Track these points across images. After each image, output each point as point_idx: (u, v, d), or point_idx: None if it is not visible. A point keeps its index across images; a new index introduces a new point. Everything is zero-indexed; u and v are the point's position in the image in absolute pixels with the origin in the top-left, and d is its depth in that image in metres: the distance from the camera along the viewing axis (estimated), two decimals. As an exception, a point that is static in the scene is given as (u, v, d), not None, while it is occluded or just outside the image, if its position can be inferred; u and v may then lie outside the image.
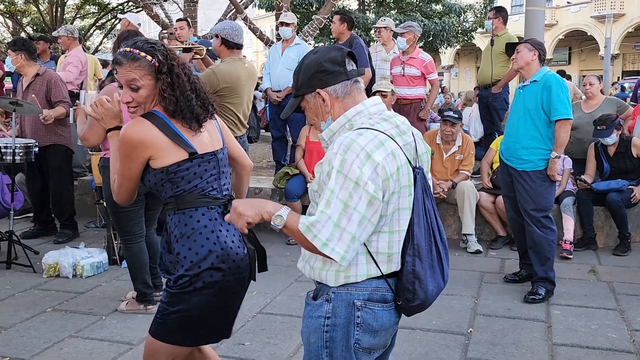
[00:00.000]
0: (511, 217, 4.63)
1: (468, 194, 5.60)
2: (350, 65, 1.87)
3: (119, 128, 2.34)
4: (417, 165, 1.84)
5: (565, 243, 5.36)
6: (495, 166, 5.77)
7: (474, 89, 8.59)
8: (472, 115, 8.22)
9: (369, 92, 6.37)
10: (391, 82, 6.46)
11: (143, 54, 2.14)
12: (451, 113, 5.80)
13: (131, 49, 2.15)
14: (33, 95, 5.44)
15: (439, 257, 1.82)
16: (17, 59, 5.55)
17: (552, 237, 4.31)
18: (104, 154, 3.94)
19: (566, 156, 5.66)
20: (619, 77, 31.72)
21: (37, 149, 5.37)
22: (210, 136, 2.27)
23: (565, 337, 3.64)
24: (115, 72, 2.18)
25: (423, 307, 1.83)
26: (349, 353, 1.79)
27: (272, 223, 1.74)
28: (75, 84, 6.63)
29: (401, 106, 6.46)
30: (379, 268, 1.78)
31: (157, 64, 2.15)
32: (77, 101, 4.13)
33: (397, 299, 1.80)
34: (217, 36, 4.69)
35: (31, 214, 6.30)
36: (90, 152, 5.59)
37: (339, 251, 1.66)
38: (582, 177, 5.66)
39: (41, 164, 5.66)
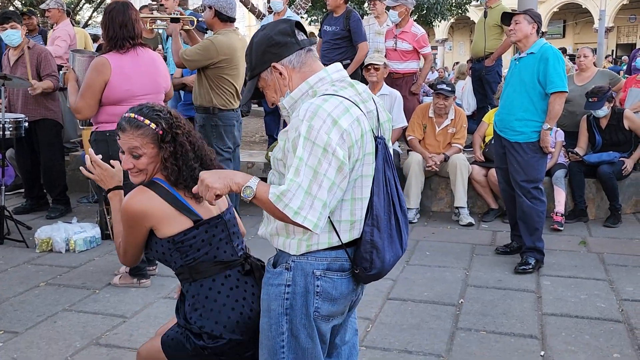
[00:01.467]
0: (503, 189, 4.65)
1: (460, 167, 5.61)
2: (301, 35, 1.86)
3: (119, 188, 2.28)
4: (379, 135, 1.83)
5: (556, 215, 5.40)
6: (487, 139, 5.77)
7: (467, 61, 8.55)
8: (465, 89, 8.20)
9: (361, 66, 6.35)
10: (385, 55, 6.42)
11: (147, 121, 2.09)
12: (444, 86, 5.77)
13: (135, 116, 2.10)
14: (28, 66, 5.38)
15: (397, 226, 1.83)
16: (23, 32, 5.52)
17: (542, 208, 4.34)
18: (96, 128, 3.91)
19: (558, 129, 5.66)
20: (613, 50, 31.60)
21: (26, 124, 5.33)
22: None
23: (554, 307, 3.68)
24: (118, 137, 2.13)
25: (379, 276, 1.85)
26: (308, 320, 1.81)
27: (241, 195, 1.72)
28: (65, 58, 6.55)
29: (393, 80, 6.42)
30: (340, 237, 1.78)
31: (160, 132, 2.10)
32: (66, 64, 4.08)
33: (355, 267, 1.81)
34: (210, 8, 4.63)
35: (23, 190, 6.28)
36: (81, 127, 5.55)
37: (311, 219, 1.65)
38: (574, 149, 5.67)
39: (31, 138, 5.62)
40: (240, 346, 2.05)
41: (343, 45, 6.37)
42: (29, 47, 5.49)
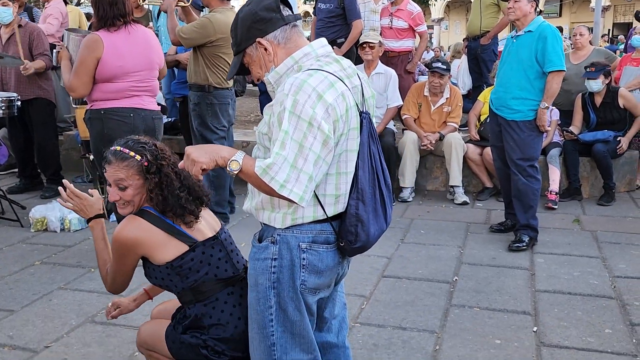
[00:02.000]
0: (498, 167, 4.65)
1: (455, 146, 5.61)
2: (286, 11, 1.85)
3: (100, 216, 2.29)
4: (364, 110, 1.84)
5: (550, 194, 5.41)
6: (482, 118, 5.76)
7: (463, 40, 8.51)
8: (460, 67, 8.17)
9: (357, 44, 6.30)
10: (380, 34, 6.37)
11: (132, 153, 2.11)
12: (439, 64, 5.75)
13: (121, 149, 2.12)
14: (19, 45, 5.32)
15: (382, 200, 1.85)
16: (15, 9, 5.45)
17: (537, 186, 4.35)
18: (90, 106, 3.89)
19: (554, 107, 5.65)
20: (609, 30, 31.45)
21: (19, 103, 5.28)
22: (207, 222, 2.22)
23: (547, 284, 3.71)
24: (104, 170, 2.15)
25: (364, 249, 1.86)
26: (295, 293, 1.82)
27: (227, 168, 1.73)
28: (57, 36, 6.48)
29: (389, 58, 6.39)
30: (325, 211, 1.80)
31: (146, 164, 2.11)
32: (59, 42, 4.04)
33: (340, 240, 1.83)
34: None
35: (16, 169, 6.25)
36: (75, 106, 5.51)
37: (297, 192, 1.66)
38: (569, 128, 5.67)
39: (24, 118, 5.58)
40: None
41: (337, 23, 6.31)
42: (20, 26, 5.43)
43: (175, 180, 2.14)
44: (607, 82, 5.60)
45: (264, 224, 1.87)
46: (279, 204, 1.78)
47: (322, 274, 1.84)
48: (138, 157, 2.11)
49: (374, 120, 1.90)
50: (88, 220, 2.29)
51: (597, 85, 5.55)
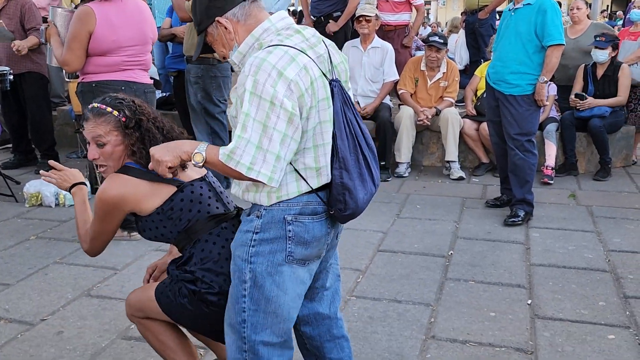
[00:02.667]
0: (495, 142, 4.64)
1: (452, 121, 5.58)
2: None
3: (82, 184, 2.28)
4: (334, 78, 1.81)
5: (546, 169, 5.41)
6: (479, 93, 5.73)
7: (461, 14, 8.42)
8: (458, 42, 8.11)
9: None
10: (376, 7, 6.30)
11: (109, 109, 2.09)
12: (436, 38, 5.69)
13: (98, 105, 2.10)
14: (0, 21, 5.25)
15: (367, 164, 1.83)
16: None
17: (533, 161, 4.35)
18: (82, 79, 3.84)
19: (551, 82, 5.62)
20: (608, 5, 31.22)
21: (11, 77, 5.22)
22: (191, 167, 2.16)
23: (542, 258, 3.73)
24: (82, 128, 2.12)
25: (355, 215, 1.84)
26: (275, 268, 1.80)
27: (192, 162, 1.73)
28: (48, 9, 6.38)
29: (385, 32, 6.32)
30: (308, 184, 1.78)
31: (124, 119, 2.09)
32: (48, 19, 3.98)
33: (330, 209, 1.82)
34: None
35: (10, 145, 6.21)
36: (68, 80, 5.45)
37: (265, 172, 1.65)
38: (579, 92, 5.59)
39: (17, 93, 5.52)
40: None
41: None
42: None
43: (158, 133, 2.12)
44: (613, 54, 5.56)
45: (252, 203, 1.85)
46: (262, 184, 1.74)
47: (309, 244, 1.82)
48: (115, 113, 2.09)
49: (350, 90, 1.88)
50: (70, 189, 2.28)
51: (603, 56, 5.52)
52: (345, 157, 1.77)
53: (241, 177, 1.68)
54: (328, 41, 1.90)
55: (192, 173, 2.15)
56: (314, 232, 1.82)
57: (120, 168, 2.11)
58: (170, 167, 1.78)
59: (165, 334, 2.19)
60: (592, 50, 5.58)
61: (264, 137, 1.63)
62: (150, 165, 1.84)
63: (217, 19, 1.80)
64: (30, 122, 5.65)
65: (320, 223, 1.83)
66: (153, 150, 1.80)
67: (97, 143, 2.09)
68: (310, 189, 1.79)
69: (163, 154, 1.78)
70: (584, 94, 5.55)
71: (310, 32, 1.84)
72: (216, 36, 1.84)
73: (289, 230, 1.78)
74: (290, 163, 1.75)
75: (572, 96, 5.61)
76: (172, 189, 2.07)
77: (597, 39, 5.54)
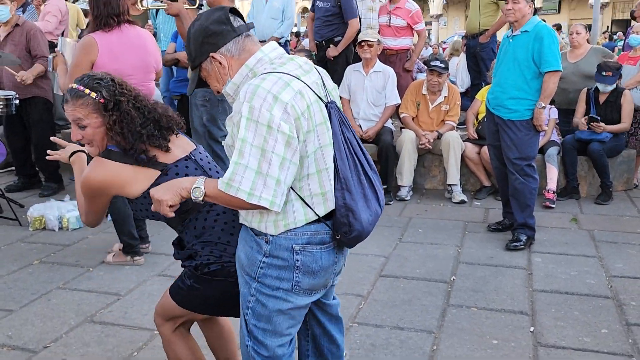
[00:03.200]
0: (495, 166, 4.67)
1: (453, 144, 5.61)
2: (237, 22, 1.86)
3: (81, 151, 2.33)
4: (330, 100, 1.84)
5: (548, 192, 5.43)
6: (480, 117, 5.77)
7: (462, 38, 8.50)
8: (459, 65, 8.17)
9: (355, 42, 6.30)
10: (378, 32, 6.37)
11: (87, 90, 2.08)
12: (438, 63, 5.75)
13: (77, 86, 2.10)
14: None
15: (370, 184, 1.84)
16: (12, 8, 5.43)
17: (534, 185, 4.37)
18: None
19: (552, 106, 5.66)
20: (608, 26, 31.44)
21: (17, 102, 5.27)
22: (178, 146, 2.18)
23: (545, 284, 3.73)
24: (63, 109, 2.13)
25: (362, 237, 1.84)
26: (279, 292, 1.83)
27: (192, 197, 1.77)
28: (55, 34, 6.47)
29: (387, 57, 6.39)
30: (315, 212, 1.79)
31: (102, 101, 2.08)
32: (55, 49, 4.04)
33: (336, 233, 1.82)
34: None
35: (14, 167, 6.24)
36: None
37: (266, 197, 1.66)
38: (595, 117, 5.56)
39: (22, 116, 5.58)
40: (232, 276, 2.03)
41: (335, 22, 6.31)
42: (18, 25, 5.42)
43: (137, 116, 2.10)
44: (618, 82, 5.60)
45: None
46: (267, 212, 1.75)
47: (317, 274, 1.84)
48: (93, 95, 2.08)
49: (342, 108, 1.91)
50: (70, 157, 2.32)
51: (611, 87, 5.56)
52: (346, 177, 1.77)
53: (243, 205, 1.68)
54: (320, 69, 1.94)
55: (177, 152, 2.14)
56: (322, 262, 1.83)
57: (104, 152, 2.11)
58: (171, 206, 1.81)
59: (182, 350, 2.25)
60: (597, 80, 5.61)
61: (263, 162, 1.64)
62: (152, 207, 1.87)
63: (211, 54, 1.83)
64: (35, 146, 5.70)
65: (327, 252, 1.84)
66: (153, 192, 1.85)
67: (79, 125, 2.10)
68: (317, 217, 1.79)
69: (162, 193, 1.82)
70: (598, 118, 5.56)
71: (303, 60, 1.88)
72: (210, 71, 1.86)
73: (297, 260, 1.80)
74: (295, 191, 1.76)
75: (581, 120, 5.62)
76: (155, 173, 2.06)
77: (604, 73, 5.52)
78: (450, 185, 5.68)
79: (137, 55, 3.83)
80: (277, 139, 1.64)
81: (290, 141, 1.67)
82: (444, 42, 14.70)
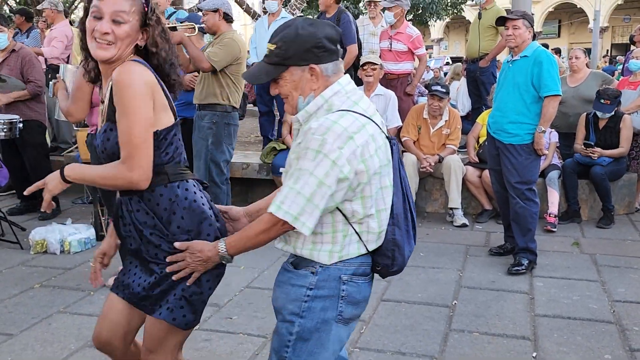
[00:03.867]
0: (497, 190, 4.68)
1: (454, 168, 5.63)
2: (337, 45, 1.88)
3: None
4: (390, 137, 1.90)
5: (549, 216, 5.43)
6: (481, 140, 5.80)
7: (462, 62, 8.57)
8: (459, 89, 8.22)
9: (357, 67, 6.35)
10: (380, 56, 6.43)
11: None
12: (439, 87, 5.80)
13: None
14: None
15: (412, 221, 1.91)
16: (10, 35, 5.53)
17: (535, 209, 4.37)
18: (91, 130, 3.92)
19: (552, 130, 5.69)
20: (607, 50, 31.70)
21: (21, 125, 5.31)
22: (165, 113, 1.98)
23: (547, 309, 3.71)
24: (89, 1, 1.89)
25: (400, 271, 1.92)
26: (323, 325, 1.83)
27: (223, 261, 1.91)
28: (61, 58, 6.55)
29: (388, 81, 6.44)
30: (367, 247, 1.84)
31: (146, 9, 1.91)
32: (57, 75, 4.09)
33: (377, 265, 1.87)
34: (215, 11, 4.66)
35: (13, 191, 6.27)
36: (76, 128, 5.54)
37: (309, 226, 1.72)
38: (590, 143, 5.59)
39: (15, 140, 5.60)
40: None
41: None
42: (14, 50, 5.52)
43: (169, 46, 1.97)
44: (617, 108, 5.63)
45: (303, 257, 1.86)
46: (321, 241, 1.81)
47: (359, 304, 1.89)
48: None
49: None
50: (63, 178, 2.04)
51: (608, 114, 5.59)
52: (398, 213, 1.84)
53: (283, 226, 1.74)
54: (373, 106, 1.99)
55: (166, 120, 1.94)
56: (365, 293, 1.90)
57: (133, 60, 1.89)
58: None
59: None
60: (595, 108, 5.64)
61: (318, 194, 1.70)
62: (176, 276, 1.93)
63: (312, 65, 1.80)
64: (30, 169, 5.71)
65: (369, 284, 1.91)
66: (194, 270, 1.93)
67: (115, 19, 1.85)
68: (367, 252, 1.85)
69: (195, 266, 1.93)
70: (592, 143, 5.58)
71: (367, 99, 1.89)
72: (295, 77, 1.81)
73: (343, 290, 1.83)
74: (355, 229, 1.81)
75: (581, 145, 5.65)
76: (172, 119, 1.93)
77: (602, 101, 5.54)
78: (451, 208, 5.69)
79: None
80: (336, 175, 1.70)
81: (343, 180, 1.72)
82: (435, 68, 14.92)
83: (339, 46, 1.86)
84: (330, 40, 1.81)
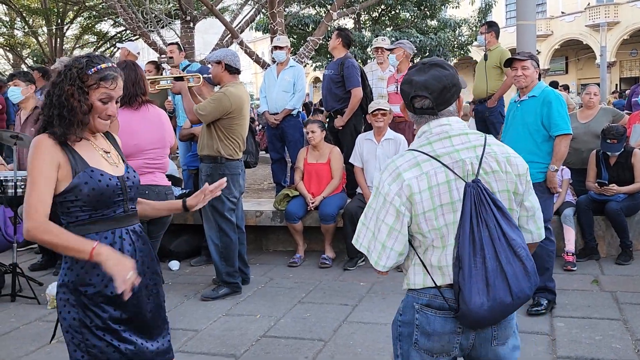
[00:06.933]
0: (511, 231, 4.63)
1: (468, 208, 5.60)
2: None
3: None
4: (474, 179, 1.86)
5: (567, 255, 5.36)
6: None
7: (470, 103, 8.63)
8: (469, 130, 8.25)
9: (365, 111, 6.44)
10: (387, 100, 6.52)
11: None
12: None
13: (113, 65, 2.25)
14: (32, 129, 5.52)
15: (502, 272, 1.82)
16: (27, 90, 5.65)
17: (552, 247, 4.33)
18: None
19: (564, 167, 5.67)
20: (616, 85, 31.78)
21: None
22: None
23: (569, 350, 3.63)
24: (111, 85, 2.19)
25: (470, 319, 1.84)
26: (413, 350, 1.96)
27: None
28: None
29: (396, 124, 6.50)
30: (433, 279, 1.91)
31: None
32: None
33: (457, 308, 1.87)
34: (218, 62, 4.75)
35: (35, 245, 6.33)
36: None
37: (373, 257, 1.93)
38: (605, 183, 5.57)
39: None
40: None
41: (338, 92, 6.48)
42: (37, 107, 5.64)
43: None
44: (625, 144, 5.62)
45: None
46: (406, 266, 1.99)
47: (431, 337, 1.92)
48: None
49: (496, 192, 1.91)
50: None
51: (618, 152, 5.58)
52: (462, 256, 1.83)
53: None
54: (489, 148, 1.94)
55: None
56: (435, 326, 1.91)
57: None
58: None
59: None
60: (602, 148, 5.64)
61: (376, 227, 1.91)
62: None
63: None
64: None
65: (444, 319, 1.90)
66: None
67: (117, 101, 2.24)
68: (435, 285, 1.90)
69: None
70: (605, 182, 5.56)
71: (462, 139, 1.93)
72: None
73: (416, 318, 1.94)
74: (419, 257, 1.93)
75: (594, 184, 5.62)
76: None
77: (609, 141, 5.53)
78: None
79: (155, 131, 3.98)
80: (388, 210, 1.88)
81: (398, 214, 1.87)
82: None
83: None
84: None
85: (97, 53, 2.51)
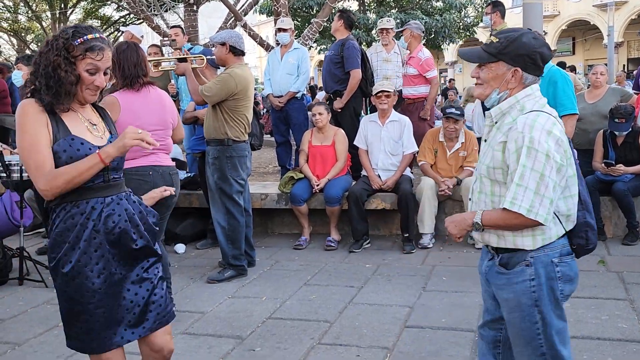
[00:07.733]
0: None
1: (474, 190, 5.59)
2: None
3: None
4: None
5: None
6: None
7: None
8: (475, 112, 8.20)
9: (365, 94, 6.41)
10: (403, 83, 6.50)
11: None
12: (453, 110, 5.80)
13: (100, 36, 2.23)
14: None
15: (594, 206, 2.23)
16: (27, 74, 5.69)
17: (558, 229, 4.31)
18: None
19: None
20: (624, 65, 31.47)
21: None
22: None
23: (575, 330, 3.63)
24: (98, 56, 2.19)
25: (593, 250, 2.21)
26: (556, 304, 2.13)
27: (473, 230, 2.16)
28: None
29: (406, 106, 6.47)
30: (564, 227, 2.12)
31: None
32: None
33: (572, 245, 2.16)
34: (223, 44, 4.73)
35: (42, 230, 6.35)
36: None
37: (542, 214, 2.00)
38: (612, 163, 5.54)
39: None
40: None
41: (338, 73, 6.44)
42: None
43: None
44: (632, 124, 5.57)
45: (506, 249, 2.14)
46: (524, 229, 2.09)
47: (573, 280, 2.16)
48: None
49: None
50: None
51: (626, 132, 5.53)
52: (586, 200, 2.17)
53: (518, 223, 2.03)
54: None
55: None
56: (575, 269, 2.18)
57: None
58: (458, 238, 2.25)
59: None
60: (610, 127, 5.59)
61: (541, 185, 1.99)
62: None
63: (516, 69, 2.09)
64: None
65: (574, 261, 2.18)
66: (447, 224, 2.25)
67: (105, 73, 2.25)
68: (564, 232, 2.12)
69: (451, 228, 2.24)
70: (612, 161, 5.52)
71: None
72: (498, 72, 2.11)
73: (558, 271, 2.12)
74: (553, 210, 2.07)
75: (601, 164, 5.58)
76: None
77: (617, 120, 5.49)
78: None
79: (156, 113, 3.96)
80: (552, 166, 2.00)
81: (560, 168, 2.04)
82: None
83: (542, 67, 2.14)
84: (543, 59, 2.10)
85: (85, 24, 2.50)
